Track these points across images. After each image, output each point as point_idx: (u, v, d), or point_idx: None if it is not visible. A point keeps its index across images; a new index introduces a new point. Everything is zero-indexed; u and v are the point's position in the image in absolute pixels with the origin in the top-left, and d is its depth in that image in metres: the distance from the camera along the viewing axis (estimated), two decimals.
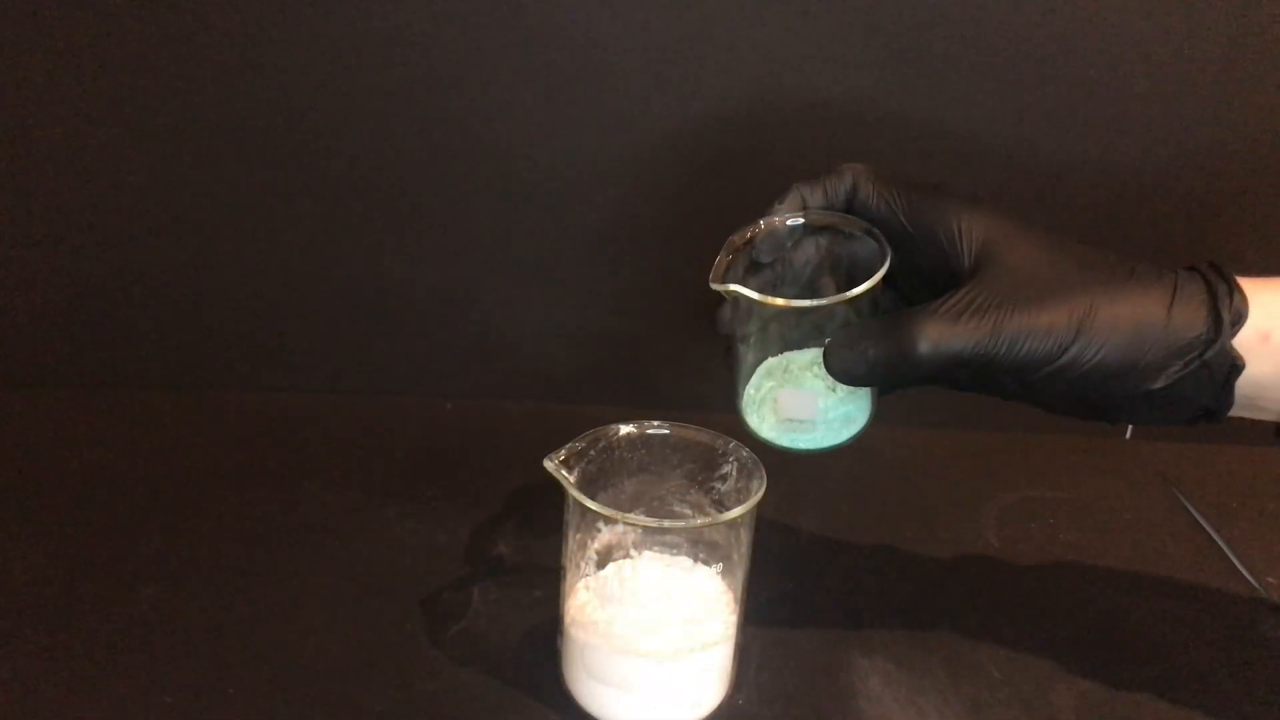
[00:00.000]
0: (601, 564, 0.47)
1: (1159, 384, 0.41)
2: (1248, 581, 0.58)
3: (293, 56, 0.63)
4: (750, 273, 0.46)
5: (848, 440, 0.46)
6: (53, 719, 0.43)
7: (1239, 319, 0.40)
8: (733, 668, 0.46)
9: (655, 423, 0.47)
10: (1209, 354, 0.40)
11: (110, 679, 0.46)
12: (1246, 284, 0.41)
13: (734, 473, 0.46)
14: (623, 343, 0.72)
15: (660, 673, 0.43)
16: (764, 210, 0.46)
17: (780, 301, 0.42)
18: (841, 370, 0.42)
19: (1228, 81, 0.63)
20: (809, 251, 0.47)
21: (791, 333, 0.45)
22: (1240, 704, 0.48)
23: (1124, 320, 0.40)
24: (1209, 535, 0.62)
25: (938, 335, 0.40)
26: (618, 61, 0.64)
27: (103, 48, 0.63)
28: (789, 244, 0.46)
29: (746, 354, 0.46)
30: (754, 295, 0.42)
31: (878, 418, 0.46)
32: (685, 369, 0.73)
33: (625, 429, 0.46)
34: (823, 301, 0.43)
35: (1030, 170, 0.65)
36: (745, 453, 0.45)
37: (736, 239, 0.45)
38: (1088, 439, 0.73)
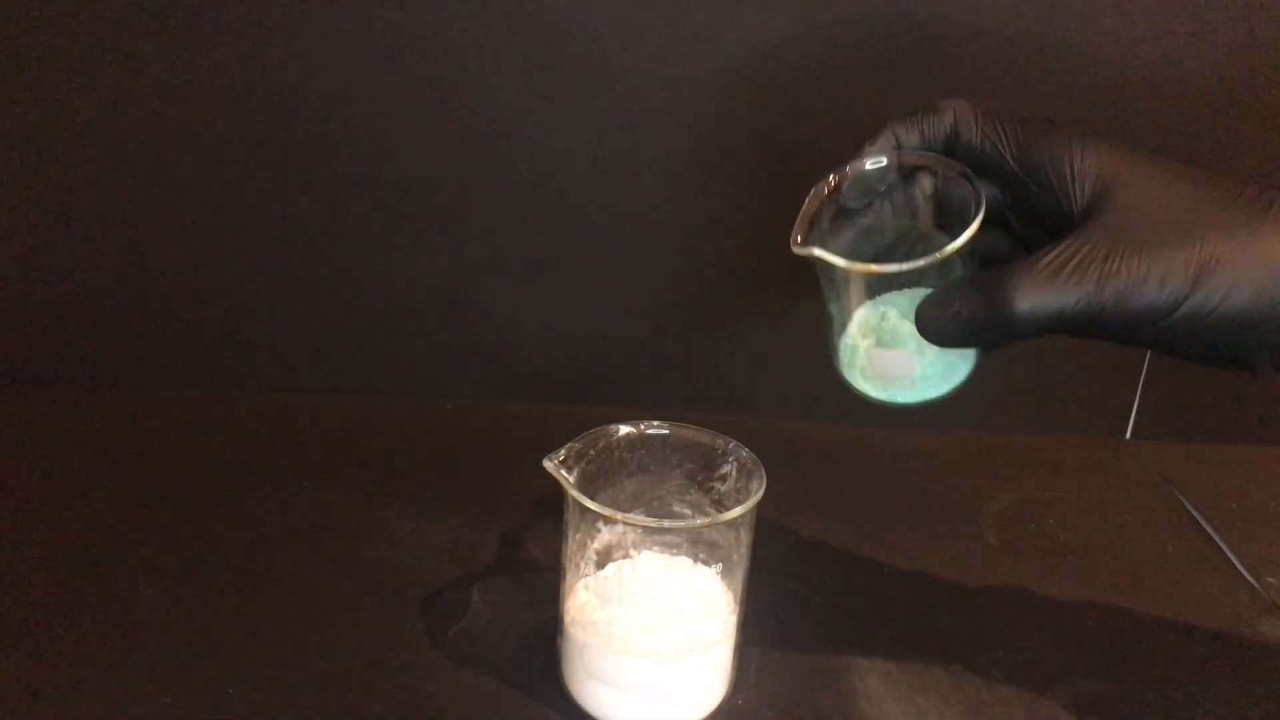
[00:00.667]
0: (601, 564, 0.47)
1: None
2: (1248, 581, 0.58)
3: (293, 57, 0.63)
4: (841, 220, 0.43)
5: (949, 392, 0.43)
6: (53, 719, 0.43)
7: None
8: (732, 668, 0.46)
9: (655, 423, 0.47)
10: None
11: (110, 679, 0.46)
12: None
13: (733, 473, 0.46)
14: (623, 343, 0.72)
15: (660, 673, 0.43)
16: (854, 152, 0.42)
17: (867, 267, 0.39)
18: (935, 332, 0.39)
19: None
20: (904, 196, 0.43)
21: (885, 285, 0.43)
22: (1240, 704, 0.48)
23: (1252, 264, 0.35)
24: (1209, 535, 0.62)
25: (1036, 293, 0.36)
26: (618, 61, 0.64)
27: (103, 48, 0.63)
28: (881, 188, 0.42)
29: (837, 302, 0.43)
30: (838, 261, 0.39)
31: (982, 365, 0.43)
32: (685, 369, 0.73)
33: (625, 429, 0.46)
34: (908, 266, 0.39)
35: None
36: (745, 453, 0.45)
37: (823, 186, 0.42)
38: (1088, 439, 0.73)
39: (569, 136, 0.66)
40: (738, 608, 0.46)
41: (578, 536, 0.45)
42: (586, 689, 0.44)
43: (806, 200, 0.42)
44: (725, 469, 0.46)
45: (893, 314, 0.42)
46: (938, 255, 0.39)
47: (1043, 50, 0.63)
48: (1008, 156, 0.40)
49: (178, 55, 0.63)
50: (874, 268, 0.40)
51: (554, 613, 0.47)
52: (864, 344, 0.43)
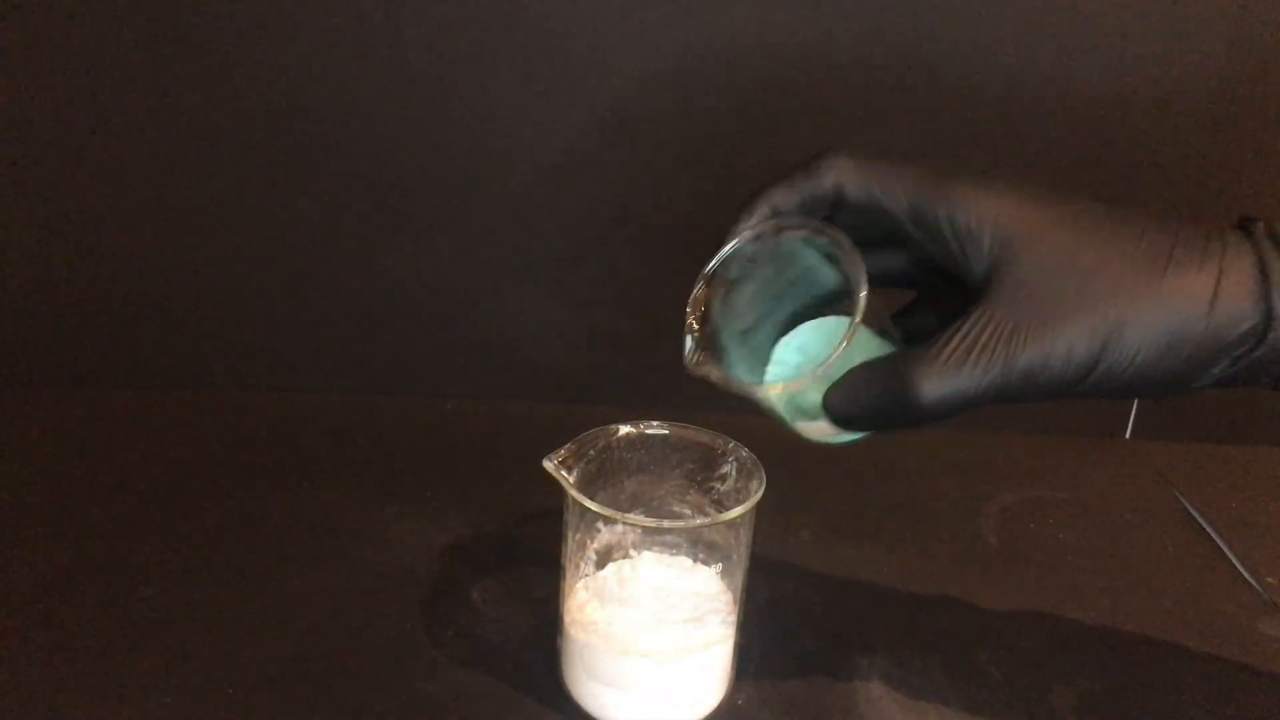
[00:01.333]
0: (601, 564, 0.47)
1: (1204, 382, 0.37)
2: (1248, 581, 0.58)
3: (293, 57, 0.63)
4: (734, 290, 0.42)
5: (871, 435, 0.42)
6: (53, 719, 0.43)
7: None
8: (732, 668, 0.46)
9: (654, 423, 0.47)
10: (1258, 352, 0.36)
11: (110, 679, 0.46)
12: None
13: (733, 473, 0.46)
14: (623, 343, 0.72)
15: (660, 673, 0.43)
16: (731, 224, 0.40)
17: (768, 389, 0.38)
18: (845, 421, 0.38)
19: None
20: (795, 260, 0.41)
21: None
22: (1240, 704, 0.48)
23: (1157, 323, 0.35)
24: (1209, 535, 0.62)
25: (941, 383, 0.35)
26: (617, 62, 0.64)
27: (103, 48, 0.63)
28: (765, 261, 0.41)
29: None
30: (731, 384, 0.39)
31: None
32: (685, 369, 0.73)
33: (624, 429, 0.46)
34: (805, 376, 0.38)
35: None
36: (744, 453, 0.45)
37: (706, 270, 0.41)
38: (1088, 439, 0.73)
39: (569, 136, 0.66)
40: (737, 608, 0.46)
41: (577, 537, 0.45)
42: (586, 689, 0.44)
43: (688, 311, 0.41)
44: (725, 469, 0.46)
45: (810, 392, 0.41)
46: (829, 359, 0.37)
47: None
48: (899, 218, 0.37)
49: (178, 55, 0.63)
50: (777, 388, 0.39)
51: (554, 613, 0.47)
52: (789, 417, 0.42)
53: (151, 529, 0.57)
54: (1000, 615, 0.54)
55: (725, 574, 0.47)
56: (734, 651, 0.46)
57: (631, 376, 0.73)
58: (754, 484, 0.44)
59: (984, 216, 0.36)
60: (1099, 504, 0.65)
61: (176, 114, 0.65)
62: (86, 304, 0.69)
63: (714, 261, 0.40)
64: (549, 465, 0.43)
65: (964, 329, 0.36)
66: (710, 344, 0.41)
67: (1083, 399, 0.37)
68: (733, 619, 0.45)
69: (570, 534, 0.45)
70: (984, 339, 0.35)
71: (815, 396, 0.39)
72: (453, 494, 0.62)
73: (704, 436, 0.46)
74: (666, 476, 0.47)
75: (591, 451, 0.45)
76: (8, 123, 0.64)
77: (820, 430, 0.41)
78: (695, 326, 0.41)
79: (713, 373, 0.39)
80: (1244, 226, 0.37)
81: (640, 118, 0.65)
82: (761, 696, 0.47)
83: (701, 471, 0.47)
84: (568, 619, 0.45)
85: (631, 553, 0.47)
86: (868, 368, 0.37)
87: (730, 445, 0.46)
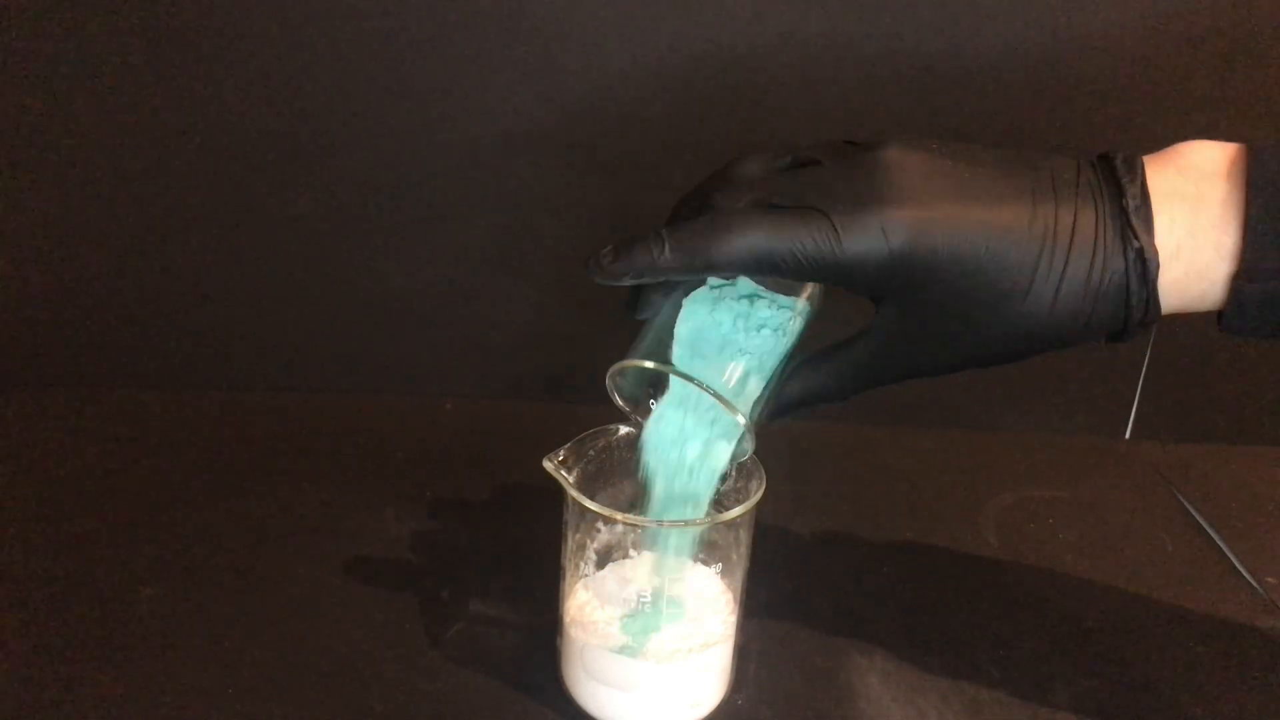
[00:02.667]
0: (601, 564, 0.47)
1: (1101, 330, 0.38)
2: (1248, 581, 0.58)
3: (293, 57, 0.63)
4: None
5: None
6: (53, 719, 0.43)
7: (1148, 325, 0.37)
8: (732, 668, 0.46)
9: None
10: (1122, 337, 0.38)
11: (110, 679, 0.46)
12: (1155, 188, 0.36)
13: (733, 473, 0.46)
14: (622, 343, 0.72)
15: (660, 673, 0.43)
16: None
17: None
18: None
19: None
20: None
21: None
22: (1240, 704, 0.48)
23: (1012, 347, 0.38)
24: (1209, 535, 0.62)
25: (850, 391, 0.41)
26: (617, 62, 0.64)
27: (102, 48, 0.63)
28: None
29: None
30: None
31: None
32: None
33: (625, 429, 0.46)
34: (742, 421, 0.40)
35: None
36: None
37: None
38: (1088, 439, 0.73)
39: (569, 136, 0.66)
40: (737, 608, 0.46)
41: (577, 536, 0.45)
42: (586, 689, 0.44)
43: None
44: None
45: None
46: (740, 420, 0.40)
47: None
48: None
49: (178, 55, 0.63)
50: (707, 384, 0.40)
51: (553, 613, 0.47)
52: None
53: (151, 529, 0.57)
54: (1000, 615, 0.54)
55: (725, 574, 0.47)
56: (734, 651, 0.46)
57: None
58: (754, 484, 0.44)
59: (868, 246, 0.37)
60: (1099, 504, 0.65)
61: (176, 113, 0.65)
62: (86, 304, 0.69)
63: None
64: (549, 465, 0.43)
65: (855, 351, 0.42)
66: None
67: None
68: (732, 619, 0.45)
69: (570, 534, 0.45)
70: (884, 362, 0.42)
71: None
72: (452, 494, 0.62)
73: None
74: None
75: (591, 451, 0.45)
76: (7, 123, 0.64)
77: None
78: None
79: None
80: (1107, 162, 0.38)
81: (641, 117, 0.65)
82: (761, 696, 0.47)
83: None
84: (567, 619, 0.45)
85: (631, 552, 0.47)
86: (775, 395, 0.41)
87: None
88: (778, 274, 0.37)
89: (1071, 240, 0.36)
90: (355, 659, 0.48)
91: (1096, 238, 0.36)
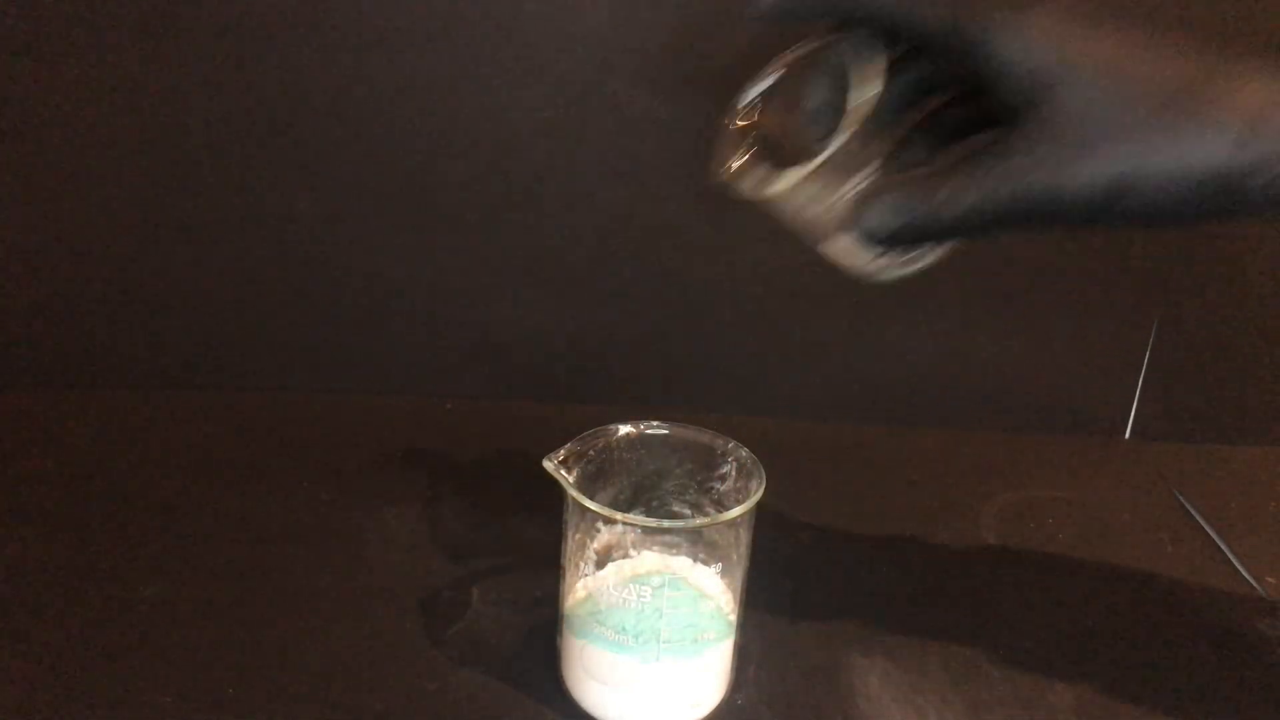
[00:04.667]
0: (601, 564, 0.47)
1: (1233, 218, 0.35)
2: (1247, 581, 0.58)
3: (293, 56, 0.63)
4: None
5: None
6: (53, 719, 0.43)
7: None
8: (732, 667, 0.46)
9: (654, 423, 0.47)
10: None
11: (110, 679, 0.46)
12: None
13: (733, 473, 0.46)
14: (623, 343, 0.72)
15: (660, 672, 0.43)
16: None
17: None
18: (869, 232, 0.37)
19: None
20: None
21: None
22: (1240, 704, 0.48)
23: (1180, 170, 0.34)
24: (1209, 535, 0.62)
25: (962, 196, 0.35)
26: (618, 62, 0.64)
27: (102, 47, 0.63)
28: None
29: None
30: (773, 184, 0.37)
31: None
32: (685, 369, 0.73)
33: (624, 429, 0.46)
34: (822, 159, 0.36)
35: None
36: (744, 453, 0.45)
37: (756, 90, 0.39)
38: (1088, 439, 0.73)
39: (569, 136, 0.66)
40: (737, 607, 0.46)
41: (577, 536, 0.45)
42: (586, 689, 0.44)
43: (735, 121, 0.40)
44: (725, 469, 0.46)
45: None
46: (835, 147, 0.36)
47: None
48: (933, 38, 0.36)
49: (177, 54, 0.63)
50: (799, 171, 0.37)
51: (554, 612, 0.47)
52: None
53: (151, 529, 0.57)
54: (1000, 615, 0.54)
55: (725, 574, 0.47)
56: (734, 651, 0.46)
57: (631, 376, 0.73)
58: (754, 484, 0.44)
59: (1021, 48, 0.35)
60: (1099, 504, 0.65)
61: (176, 113, 0.65)
62: (86, 304, 0.69)
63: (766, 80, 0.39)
64: (549, 465, 0.43)
65: (1000, 147, 0.35)
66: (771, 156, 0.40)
67: (1105, 228, 0.36)
68: (733, 619, 0.45)
69: (570, 534, 0.45)
70: (1019, 159, 0.35)
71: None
72: (453, 494, 0.62)
73: (704, 436, 0.46)
74: (666, 476, 0.47)
75: (591, 451, 0.45)
76: (7, 122, 0.64)
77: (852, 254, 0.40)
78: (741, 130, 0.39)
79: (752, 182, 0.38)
80: None
81: (641, 118, 0.65)
82: (761, 696, 0.47)
83: (701, 471, 0.47)
84: (568, 618, 0.45)
85: (631, 552, 0.47)
86: (893, 181, 0.37)
87: (730, 445, 0.46)
88: None
89: (1240, 67, 0.34)
90: (355, 659, 0.48)
91: (1267, 64, 0.34)
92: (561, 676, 0.46)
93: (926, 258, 0.40)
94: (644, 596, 0.44)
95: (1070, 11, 0.35)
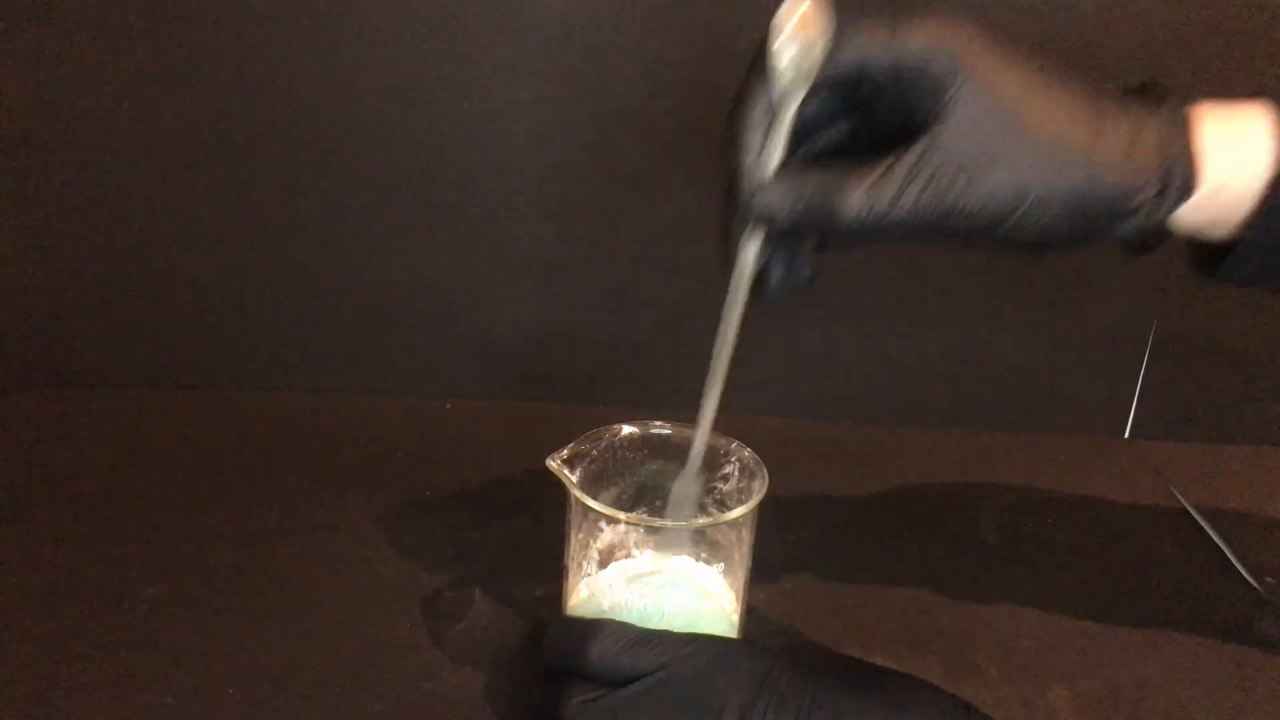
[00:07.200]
0: (603, 563, 0.47)
1: (1104, 241, 0.39)
2: (1247, 581, 0.58)
3: (293, 57, 0.63)
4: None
5: None
6: (53, 719, 0.43)
7: (1186, 191, 0.37)
8: None
9: (657, 423, 0.47)
10: (1154, 218, 0.38)
11: (110, 679, 0.45)
12: (1209, 130, 0.38)
13: (736, 473, 0.46)
14: (623, 343, 0.72)
15: None
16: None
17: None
18: (766, 215, 0.39)
19: None
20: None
21: None
22: (1240, 704, 0.48)
23: (1073, 189, 0.37)
24: (1209, 535, 0.62)
25: (863, 201, 0.37)
26: (618, 63, 0.64)
27: (102, 48, 0.63)
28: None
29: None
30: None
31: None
32: (685, 369, 0.73)
33: (628, 429, 0.46)
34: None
35: None
36: (747, 453, 0.45)
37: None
38: (1087, 439, 0.73)
39: (568, 137, 0.66)
40: (739, 607, 0.46)
41: (580, 536, 0.45)
42: None
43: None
44: (727, 469, 0.46)
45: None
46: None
47: None
48: (853, 66, 0.38)
49: (178, 55, 0.63)
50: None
51: (555, 613, 0.47)
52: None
53: (151, 529, 0.56)
54: (1000, 615, 0.54)
55: (727, 573, 0.47)
56: None
57: (632, 376, 0.73)
58: (756, 484, 0.44)
59: (938, 52, 0.37)
60: (1099, 504, 0.65)
61: (176, 113, 0.65)
62: (86, 304, 0.69)
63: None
64: (552, 464, 0.43)
65: (903, 157, 0.37)
66: None
67: (988, 248, 0.39)
68: (735, 619, 0.45)
69: (573, 533, 0.45)
70: (919, 171, 0.37)
71: None
72: (452, 494, 0.62)
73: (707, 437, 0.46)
74: (669, 476, 0.47)
75: (595, 451, 0.45)
76: (8, 122, 0.64)
77: None
78: None
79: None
80: (1151, 90, 0.39)
81: (641, 117, 0.65)
82: None
83: (704, 471, 0.47)
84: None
85: (634, 552, 0.47)
86: (802, 171, 0.38)
87: (733, 446, 0.46)
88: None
89: (1109, 98, 0.38)
90: (355, 659, 0.48)
91: (1133, 101, 0.38)
92: None
93: (805, 269, 0.42)
94: (646, 596, 0.44)
95: (983, 37, 0.38)
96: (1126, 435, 0.74)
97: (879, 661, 0.49)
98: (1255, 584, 0.57)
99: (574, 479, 0.43)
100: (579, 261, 0.70)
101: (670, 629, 0.42)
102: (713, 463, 0.46)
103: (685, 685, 0.38)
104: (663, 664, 0.38)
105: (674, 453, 0.47)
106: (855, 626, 0.52)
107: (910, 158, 0.37)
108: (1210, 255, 0.41)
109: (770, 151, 0.38)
